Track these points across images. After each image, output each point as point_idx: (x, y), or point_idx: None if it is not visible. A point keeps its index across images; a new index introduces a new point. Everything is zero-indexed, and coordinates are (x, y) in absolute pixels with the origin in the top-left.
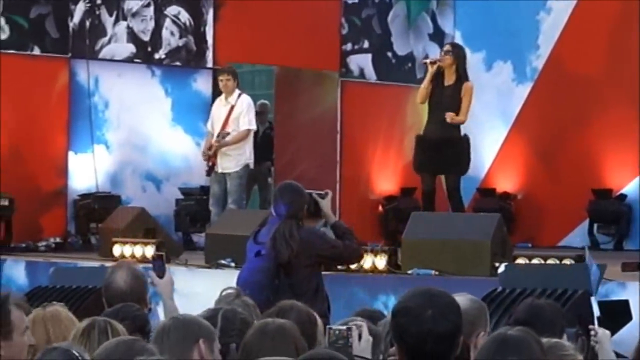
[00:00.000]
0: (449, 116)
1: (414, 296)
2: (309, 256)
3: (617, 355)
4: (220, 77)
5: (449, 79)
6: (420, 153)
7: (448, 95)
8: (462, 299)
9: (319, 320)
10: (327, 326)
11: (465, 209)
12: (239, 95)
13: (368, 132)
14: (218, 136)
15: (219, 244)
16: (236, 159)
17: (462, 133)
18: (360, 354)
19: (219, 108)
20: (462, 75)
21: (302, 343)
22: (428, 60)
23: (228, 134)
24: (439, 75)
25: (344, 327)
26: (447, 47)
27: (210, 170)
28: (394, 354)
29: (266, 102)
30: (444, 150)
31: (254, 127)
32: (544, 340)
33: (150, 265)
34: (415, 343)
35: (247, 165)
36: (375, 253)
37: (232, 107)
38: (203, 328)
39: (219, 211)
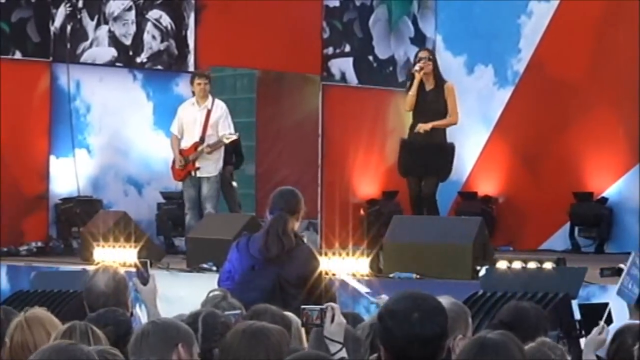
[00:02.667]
0: (430, 125)
1: (400, 299)
2: (297, 276)
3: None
4: (199, 81)
5: (429, 84)
6: (406, 157)
7: (432, 100)
8: (443, 301)
9: (295, 323)
10: (302, 306)
11: (440, 214)
12: (213, 99)
13: (350, 136)
14: (202, 141)
15: (200, 248)
16: (215, 164)
17: (448, 140)
18: (330, 336)
19: (192, 112)
20: (439, 78)
21: (285, 345)
22: (417, 68)
23: (222, 141)
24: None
25: (318, 308)
26: (425, 54)
27: (186, 175)
28: None
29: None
30: (429, 154)
31: (235, 131)
32: (536, 340)
33: (133, 270)
34: (401, 346)
35: (220, 171)
36: (357, 256)
37: (209, 112)
38: (182, 332)
39: (195, 215)
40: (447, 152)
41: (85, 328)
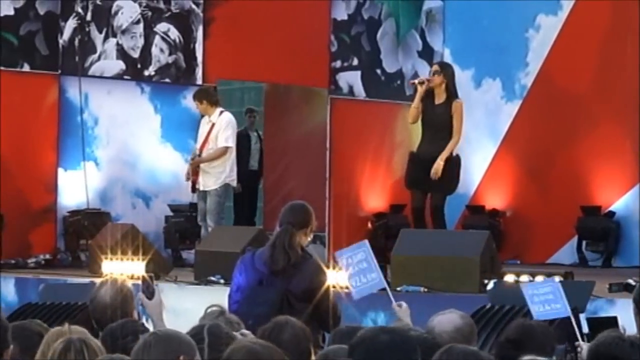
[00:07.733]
0: (435, 172)
1: (365, 331)
2: (303, 290)
3: None
4: (194, 103)
5: (439, 98)
6: (413, 170)
7: (439, 114)
8: (454, 316)
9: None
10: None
11: (447, 228)
12: (221, 112)
13: (357, 149)
14: (193, 155)
15: (208, 261)
16: (215, 177)
17: (455, 153)
18: None
19: (202, 126)
20: (452, 94)
21: None
22: (416, 81)
23: (198, 155)
24: (429, 94)
25: None
26: (435, 68)
27: (194, 187)
28: None
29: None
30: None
31: (231, 144)
32: None
33: (139, 282)
34: None
35: (227, 184)
36: None
37: (213, 125)
38: (184, 344)
39: (205, 227)
40: (453, 166)
41: (80, 345)
